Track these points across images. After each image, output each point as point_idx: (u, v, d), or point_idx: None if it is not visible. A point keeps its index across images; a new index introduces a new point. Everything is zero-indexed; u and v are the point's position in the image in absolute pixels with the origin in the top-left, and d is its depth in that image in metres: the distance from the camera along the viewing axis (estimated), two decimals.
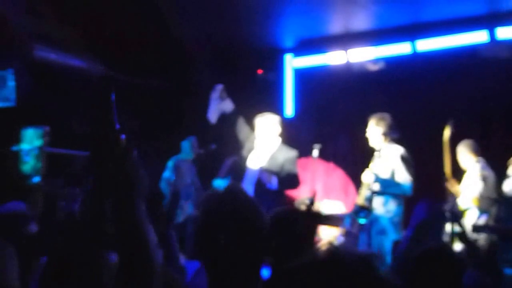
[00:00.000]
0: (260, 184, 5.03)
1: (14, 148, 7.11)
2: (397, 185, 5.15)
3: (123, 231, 1.28)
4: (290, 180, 5.09)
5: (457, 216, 5.60)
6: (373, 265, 0.94)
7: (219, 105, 5.53)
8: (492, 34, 6.25)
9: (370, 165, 5.38)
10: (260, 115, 5.27)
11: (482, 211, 5.46)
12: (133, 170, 1.30)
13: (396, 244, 5.13)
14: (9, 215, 3.16)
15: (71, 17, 6.27)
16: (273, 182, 4.95)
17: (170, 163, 7.02)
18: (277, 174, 5.00)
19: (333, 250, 1.00)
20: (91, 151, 1.30)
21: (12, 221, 3.11)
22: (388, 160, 5.23)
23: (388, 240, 5.13)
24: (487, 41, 6.29)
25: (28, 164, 7.08)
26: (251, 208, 1.84)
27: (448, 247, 3.22)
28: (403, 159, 5.19)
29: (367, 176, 5.28)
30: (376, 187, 5.20)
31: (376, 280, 0.92)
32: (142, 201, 1.32)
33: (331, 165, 7.24)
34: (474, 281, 2.80)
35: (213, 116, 5.59)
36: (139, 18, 6.35)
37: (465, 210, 5.59)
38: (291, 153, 5.17)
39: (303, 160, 6.28)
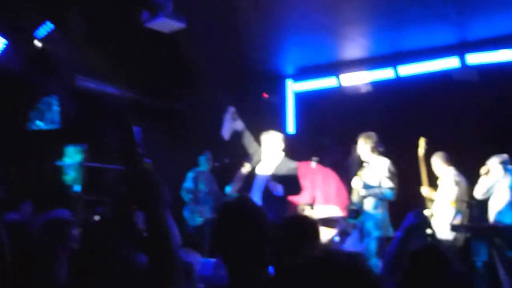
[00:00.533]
0: (267, 191, 5.05)
1: (59, 163, 7.24)
2: (382, 191, 5.24)
3: (152, 234, 1.32)
4: (293, 187, 5.12)
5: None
6: (361, 262, 0.96)
7: (231, 125, 5.55)
8: (462, 60, 6.24)
9: (359, 173, 5.44)
10: (265, 132, 5.33)
11: (458, 212, 5.50)
12: (157, 186, 1.35)
13: (382, 240, 5.15)
14: (56, 221, 3.05)
15: (107, 53, 6.36)
16: (279, 190, 4.99)
17: (189, 174, 7.08)
18: (281, 183, 5.04)
19: (327, 250, 1.03)
20: (124, 173, 1.39)
21: (59, 226, 2.99)
22: (376, 170, 5.32)
23: (372, 241, 5.19)
24: (458, 66, 6.30)
25: (70, 176, 7.18)
26: (258, 214, 1.88)
27: (437, 246, 3.13)
28: (389, 170, 5.29)
29: (356, 183, 5.38)
30: (364, 192, 5.29)
31: (364, 275, 0.94)
32: (166, 210, 1.36)
33: (328, 174, 7.26)
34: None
35: (226, 134, 5.62)
36: (163, 53, 6.47)
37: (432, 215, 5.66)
38: (293, 164, 5.22)
39: (303, 170, 6.30)
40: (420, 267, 2.22)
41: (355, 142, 5.52)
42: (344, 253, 1.01)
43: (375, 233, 5.19)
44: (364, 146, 5.41)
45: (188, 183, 7.01)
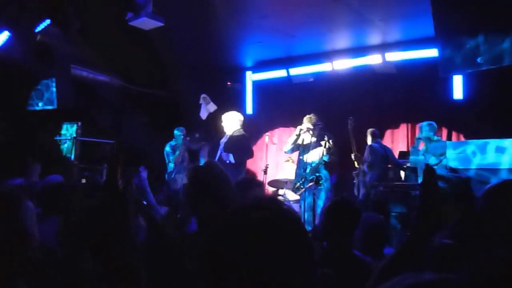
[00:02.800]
0: (221, 158, 5.11)
1: (57, 137, 7.19)
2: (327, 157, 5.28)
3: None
4: (242, 154, 5.12)
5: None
6: (282, 204, 0.94)
7: (206, 108, 5.63)
8: (383, 57, 6.41)
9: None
10: (226, 113, 5.42)
11: (374, 173, 5.68)
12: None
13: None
14: (51, 185, 2.94)
15: (98, 46, 6.30)
16: (230, 158, 5.06)
17: (167, 147, 7.00)
18: (233, 151, 5.08)
19: (256, 197, 1.02)
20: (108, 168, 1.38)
21: (54, 189, 2.84)
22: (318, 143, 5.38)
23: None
24: (380, 62, 6.47)
25: (65, 147, 7.12)
26: (221, 176, 1.94)
27: (348, 198, 3.05)
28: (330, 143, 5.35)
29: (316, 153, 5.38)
30: (327, 159, 5.33)
31: (284, 212, 0.90)
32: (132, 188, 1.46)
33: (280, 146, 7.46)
34: (371, 217, 2.84)
35: (203, 115, 5.70)
36: (147, 47, 6.38)
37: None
38: (241, 135, 5.26)
39: (260, 143, 6.42)
40: (332, 215, 2.31)
41: (299, 120, 5.57)
42: (270, 197, 1.03)
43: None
44: (307, 124, 5.48)
45: (170, 155, 6.95)
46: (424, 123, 5.39)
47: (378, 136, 5.99)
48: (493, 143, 4.85)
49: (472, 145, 5.23)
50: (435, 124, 5.39)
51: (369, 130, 5.93)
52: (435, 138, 5.37)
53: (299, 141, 5.53)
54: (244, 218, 0.87)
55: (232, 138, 5.20)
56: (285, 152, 5.68)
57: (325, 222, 2.34)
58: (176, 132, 6.91)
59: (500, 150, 5.04)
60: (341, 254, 2.21)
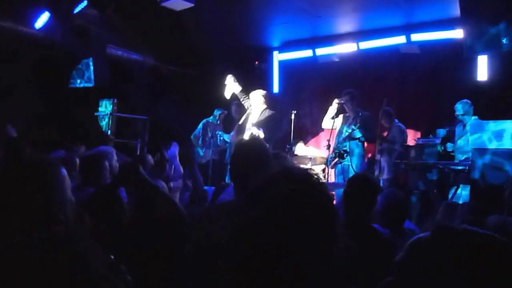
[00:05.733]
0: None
1: (96, 113, 7.52)
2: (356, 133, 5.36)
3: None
4: (271, 130, 5.24)
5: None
6: (313, 173, 0.93)
7: (231, 87, 5.80)
8: (408, 38, 6.38)
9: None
10: (252, 91, 5.55)
11: (398, 152, 5.78)
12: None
13: None
14: (105, 152, 3.05)
15: (132, 26, 6.46)
16: (260, 133, 5.20)
17: (200, 124, 7.19)
18: (263, 127, 5.24)
19: (285, 167, 1.04)
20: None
21: (106, 156, 2.94)
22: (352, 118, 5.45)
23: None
24: (404, 42, 6.43)
25: (104, 123, 7.44)
26: (265, 149, 2.05)
27: (368, 174, 3.08)
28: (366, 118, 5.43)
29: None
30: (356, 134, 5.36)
31: (316, 181, 0.90)
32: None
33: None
34: (392, 193, 2.91)
35: (227, 95, 5.90)
36: (178, 28, 6.51)
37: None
38: (271, 113, 5.41)
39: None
40: (352, 189, 2.40)
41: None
42: (300, 167, 1.09)
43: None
44: (346, 101, 5.47)
45: (196, 131, 7.12)
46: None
47: (394, 115, 6.00)
48: (509, 130, 4.80)
49: (489, 132, 5.08)
50: (463, 105, 5.32)
51: (385, 110, 5.79)
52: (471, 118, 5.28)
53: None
54: (277, 187, 0.87)
55: (264, 115, 5.34)
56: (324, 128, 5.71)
57: (345, 194, 2.43)
58: (215, 111, 7.09)
59: None
60: (359, 225, 2.28)
